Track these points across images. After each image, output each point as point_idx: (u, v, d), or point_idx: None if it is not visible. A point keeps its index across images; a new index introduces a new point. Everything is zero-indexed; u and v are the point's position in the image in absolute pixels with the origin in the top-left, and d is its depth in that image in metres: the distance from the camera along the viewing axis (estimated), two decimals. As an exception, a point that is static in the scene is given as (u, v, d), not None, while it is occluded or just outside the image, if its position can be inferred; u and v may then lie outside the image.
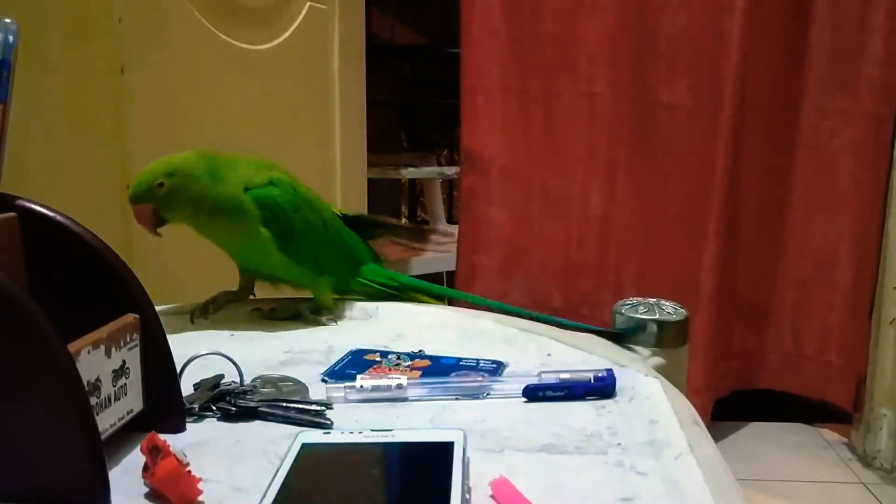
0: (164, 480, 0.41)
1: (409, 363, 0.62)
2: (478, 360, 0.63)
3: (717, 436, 1.82)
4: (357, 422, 0.52)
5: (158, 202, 0.66)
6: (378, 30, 2.45)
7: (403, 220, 2.88)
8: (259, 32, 1.23)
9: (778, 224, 1.85)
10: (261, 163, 0.74)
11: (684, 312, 0.68)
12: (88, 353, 0.44)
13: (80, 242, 0.48)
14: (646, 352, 0.66)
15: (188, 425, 0.51)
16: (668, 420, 0.52)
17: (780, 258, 1.87)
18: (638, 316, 0.67)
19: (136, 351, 0.48)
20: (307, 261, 0.73)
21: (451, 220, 2.58)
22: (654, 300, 0.69)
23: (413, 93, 2.78)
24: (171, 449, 0.42)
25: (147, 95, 0.97)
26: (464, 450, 0.43)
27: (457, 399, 0.56)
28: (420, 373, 0.60)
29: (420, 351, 0.65)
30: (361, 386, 0.55)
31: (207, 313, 0.73)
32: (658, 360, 0.65)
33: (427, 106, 2.77)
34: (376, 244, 0.82)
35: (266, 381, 0.57)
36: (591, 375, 0.56)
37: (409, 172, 2.32)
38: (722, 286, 1.80)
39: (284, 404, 0.52)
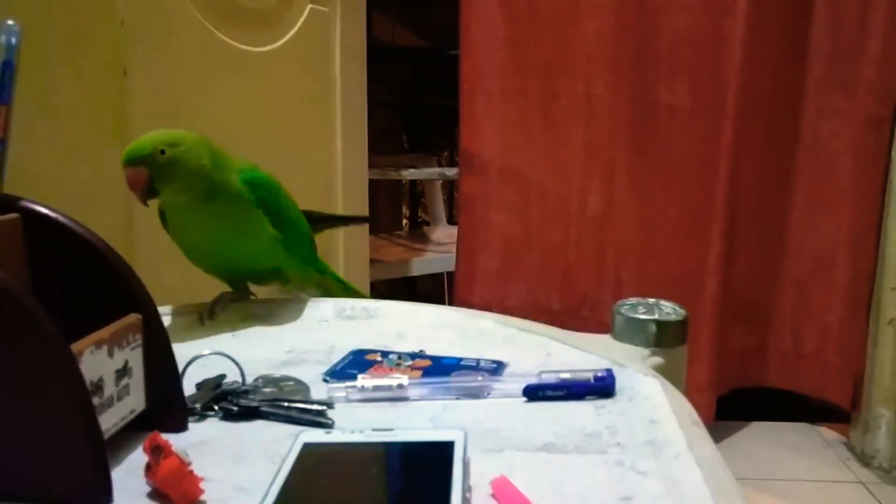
0: (167, 480, 0.41)
1: (410, 363, 0.62)
2: (478, 359, 0.63)
3: (717, 435, 1.82)
4: (358, 421, 0.52)
5: (156, 170, 0.64)
6: (379, 32, 2.45)
7: (404, 222, 2.89)
8: (261, 34, 1.23)
9: (777, 224, 1.86)
10: (250, 164, 0.74)
11: (683, 312, 0.68)
12: (91, 353, 0.44)
13: (82, 243, 0.48)
14: (645, 352, 0.66)
15: (190, 425, 0.51)
16: (667, 420, 0.52)
17: (780, 258, 1.87)
18: (638, 316, 0.67)
19: (139, 351, 0.48)
20: (292, 243, 0.74)
21: (451, 221, 2.59)
22: (654, 300, 0.70)
23: (414, 94, 2.78)
24: (173, 448, 0.42)
25: (149, 97, 0.98)
26: (464, 449, 0.43)
27: (457, 399, 0.56)
28: (421, 373, 0.60)
29: (421, 351, 0.65)
30: (362, 386, 0.55)
31: (214, 314, 0.73)
32: (657, 359, 0.65)
33: (428, 107, 2.77)
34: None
35: (268, 380, 0.57)
36: (590, 375, 0.57)
37: (409, 174, 2.33)
38: (722, 286, 1.80)
39: (286, 404, 0.53)
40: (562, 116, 1.92)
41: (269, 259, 0.74)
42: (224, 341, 0.68)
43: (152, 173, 0.64)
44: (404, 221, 2.89)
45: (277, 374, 0.59)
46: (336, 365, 0.62)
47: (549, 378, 0.56)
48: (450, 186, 2.74)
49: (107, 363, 0.45)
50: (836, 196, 1.80)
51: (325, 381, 0.59)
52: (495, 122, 1.96)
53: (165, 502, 0.41)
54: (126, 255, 0.50)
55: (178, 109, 1.04)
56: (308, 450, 0.44)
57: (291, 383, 0.57)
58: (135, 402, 0.48)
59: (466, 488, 0.41)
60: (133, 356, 0.48)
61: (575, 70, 1.89)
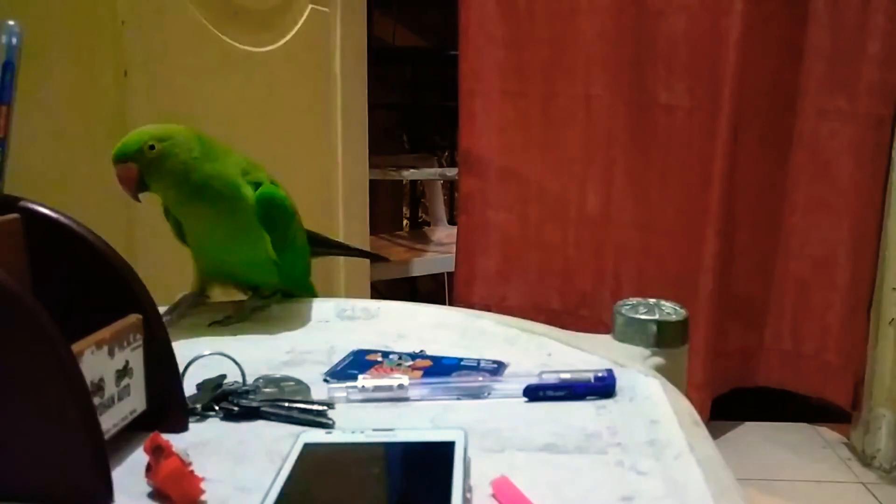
0: (167, 480, 0.41)
1: (411, 363, 0.62)
2: (479, 360, 0.63)
3: (717, 435, 1.82)
4: (359, 421, 0.52)
5: (145, 165, 0.64)
6: (379, 32, 2.45)
7: (405, 222, 2.89)
8: (261, 35, 1.23)
9: (777, 224, 1.86)
10: (250, 159, 0.73)
11: (684, 313, 0.68)
12: (92, 353, 0.44)
13: (83, 243, 0.48)
14: (646, 352, 0.66)
15: (191, 425, 0.51)
16: (668, 420, 0.52)
17: (779, 258, 1.87)
18: (638, 316, 0.67)
19: (140, 351, 0.48)
20: (287, 266, 0.73)
21: (452, 222, 2.59)
22: (654, 300, 0.70)
23: (414, 95, 2.79)
24: (173, 449, 0.42)
25: (150, 97, 0.98)
26: (465, 449, 0.43)
27: (458, 399, 0.56)
28: (421, 373, 0.60)
29: (421, 351, 0.65)
30: (363, 386, 0.55)
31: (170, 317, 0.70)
32: (658, 360, 0.65)
33: (428, 107, 2.77)
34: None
35: (268, 381, 0.57)
36: (591, 375, 0.57)
37: (410, 174, 2.33)
38: (721, 285, 1.80)
39: (286, 404, 0.53)
40: (561, 116, 1.92)
41: (260, 274, 0.73)
42: (225, 341, 0.68)
43: (142, 169, 0.64)
44: (405, 222, 2.89)
45: (278, 374, 0.59)
46: (336, 365, 0.62)
47: (550, 378, 0.56)
48: (450, 187, 2.74)
49: (107, 363, 0.45)
50: (836, 196, 1.81)
51: (325, 381, 0.59)
52: (494, 122, 1.97)
53: (166, 502, 0.41)
54: (126, 255, 0.50)
55: (178, 110, 1.04)
56: (309, 450, 0.44)
57: (292, 383, 0.57)
58: (135, 402, 0.48)
59: (467, 488, 0.41)
60: (134, 356, 0.48)
61: (573, 70, 1.89)
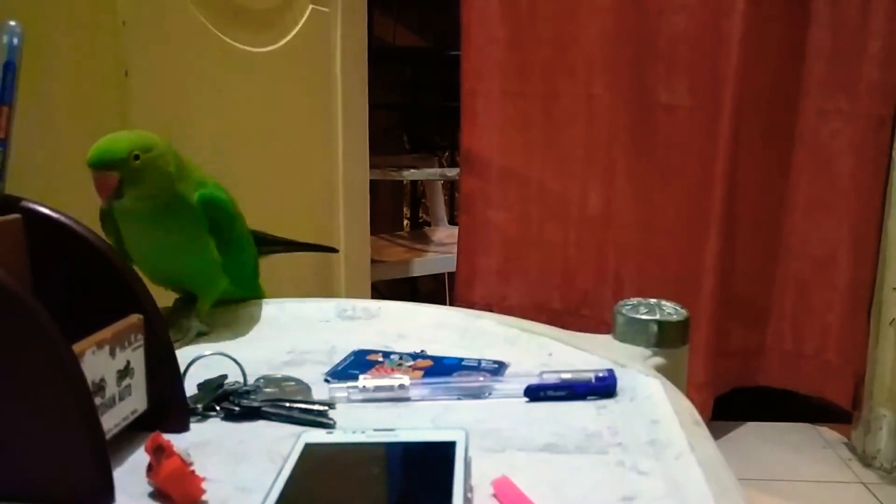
0: (169, 480, 0.41)
1: (412, 363, 0.62)
2: (479, 360, 0.63)
3: (717, 435, 1.82)
4: (359, 421, 0.52)
5: (127, 174, 0.61)
6: (380, 33, 2.45)
7: (405, 222, 2.89)
8: (262, 35, 1.23)
9: (777, 224, 1.86)
10: (205, 173, 0.71)
11: (685, 313, 0.68)
12: (93, 353, 0.44)
13: (84, 243, 0.48)
14: (647, 352, 0.66)
15: (192, 425, 0.51)
16: (668, 420, 0.52)
17: (780, 258, 1.87)
18: (639, 316, 0.67)
19: (141, 351, 0.48)
20: (232, 268, 0.71)
21: (452, 222, 2.59)
22: (655, 300, 0.70)
23: (414, 95, 2.79)
24: (175, 449, 0.42)
25: (151, 98, 0.98)
26: (466, 449, 0.43)
27: (459, 399, 0.56)
28: (422, 373, 0.60)
29: (422, 351, 0.65)
30: (364, 386, 0.55)
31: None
32: (659, 360, 0.65)
33: (428, 108, 2.77)
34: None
35: (269, 381, 0.57)
36: (592, 375, 0.57)
37: (410, 174, 2.33)
38: (722, 285, 1.80)
39: (287, 404, 0.53)
40: (562, 116, 1.92)
41: (207, 280, 0.71)
42: (225, 342, 0.68)
43: (123, 178, 0.61)
44: (405, 222, 2.89)
45: (279, 374, 0.59)
46: (337, 365, 0.62)
47: (551, 378, 0.56)
48: (451, 187, 2.74)
49: (108, 363, 0.45)
50: (836, 196, 1.81)
51: (326, 381, 0.59)
52: (496, 122, 1.97)
53: (167, 502, 0.41)
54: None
55: (179, 110, 1.04)
56: (309, 450, 0.44)
57: (293, 384, 0.57)
58: (136, 402, 0.48)
59: (468, 488, 0.41)
60: (135, 356, 0.48)
61: (575, 70, 1.89)
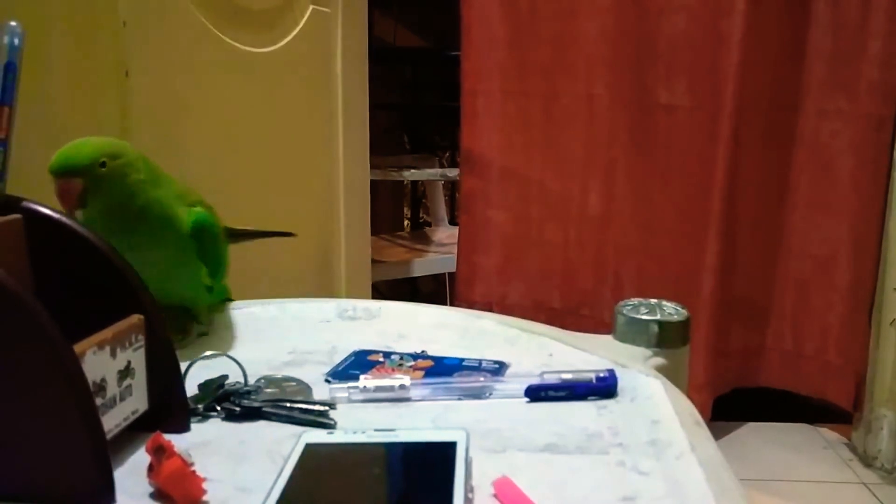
0: (169, 480, 0.41)
1: (412, 363, 0.62)
2: (480, 360, 0.63)
3: (718, 435, 1.82)
4: (360, 422, 0.52)
5: (92, 182, 0.58)
6: (380, 33, 2.45)
7: (406, 222, 2.89)
8: (262, 35, 1.23)
9: (778, 224, 1.86)
10: (185, 186, 0.67)
11: (685, 313, 0.68)
12: (94, 353, 0.44)
13: (84, 244, 0.48)
14: (647, 352, 0.66)
15: (193, 425, 0.51)
16: (669, 420, 0.52)
17: (780, 258, 1.87)
18: (639, 317, 0.67)
19: (141, 351, 0.49)
20: (218, 286, 0.69)
21: (453, 222, 2.59)
22: (656, 301, 0.70)
23: (415, 95, 2.79)
24: (175, 449, 0.42)
25: (152, 98, 0.98)
26: (466, 449, 0.43)
27: (459, 399, 0.56)
28: (423, 373, 0.60)
29: (423, 351, 0.65)
30: (364, 386, 0.55)
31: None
32: (659, 360, 0.65)
33: (429, 108, 2.77)
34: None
35: (270, 381, 0.57)
36: (592, 375, 0.57)
37: (411, 174, 2.33)
38: (722, 285, 1.80)
39: (288, 404, 0.53)
40: (562, 116, 1.92)
41: (192, 300, 0.68)
42: (226, 342, 0.68)
43: (87, 185, 0.58)
44: (406, 222, 2.89)
45: (279, 374, 0.59)
46: (338, 365, 0.62)
47: (551, 378, 0.56)
48: (451, 187, 2.74)
49: (109, 364, 0.45)
50: (837, 196, 1.81)
51: (327, 381, 0.59)
52: (496, 122, 1.97)
53: (168, 503, 0.41)
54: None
55: (179, 110, 1.04)
56: (310, 450, 0.44)
57: (293, 384, 0.57)
58: (137, 402, 0.48)
59: (469, 488, 0.41)
60: (135, 357, 0.48)
61: (575, 70, 1.89)
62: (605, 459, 0.47)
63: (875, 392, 1.79)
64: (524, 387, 0.56)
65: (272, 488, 0.40)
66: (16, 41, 0.47)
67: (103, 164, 0.58)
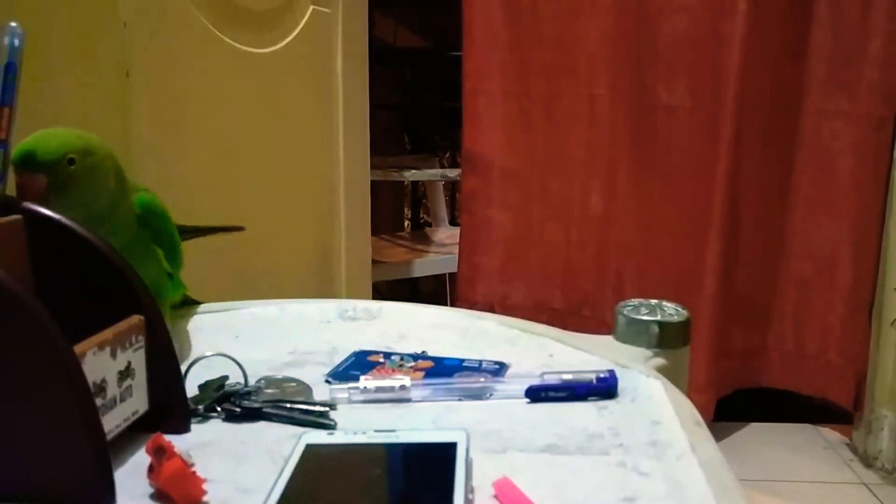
0: (170, 481, 0.41)
1: (413, 364, 0.62)
2: (480, 361, 0.63)
3: (718, 436, 1.82)
4: (360, 422, 0.52)
5: (57, 179, 0.53)
6: (380, 33, 2.45)
7: (406, 223, 2.89)
8: (263, 36, 1.23)
9: (779, 224, 1.86)
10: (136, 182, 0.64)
11: (686, 314, 0.68)
12: (94, 354, 0.44)
13: (85, 244, 0.48)
14: (648, 353, 0.66)
15: (193, 426, 0.51)
16: (669, 421, 0.52)
17: (781, 258, 1.87)
18: (640, 317, 0.67)
19: (142, 352, 0.49)
20: (174, 270, 0.67)
21: (453, 222, 2.59)
22: (656, 301, 0.70)
23: (415, 95, 2.79)
24: (176, 450, 0.42)
25: (152, 98, 0.98)
26: (467, 450, 0.43)
27: (460, 400, 0.56)
28: (423, 374, 0.60)
29: (423, 352, 0.65)
30: (365, 387, 0.55)
31: None
32: (660, 360, 0.65)
33: (429, 108, 2.77)
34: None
35: (270, 382, 0.57)
36: (593, 376, 0.57)
37: (411, 175, 2.33)
38: (723, 286, 1.80)
39: (288, 405, 0.53)
40: (563, 116, 1.92)
41: (158, 294, 0.64)
42: (226, 343, 0.68)
43: (52, 182, 0.52)
44: (406, 222, 2.89)
45: (280, 375, 0.59)
46: (338, 366, 0.62)
47: (552, 379, 0.56)
48: (451, 187, 2.74)
49: (109, 364, 0.45)
50: (837, 196, 1.81)
51: (327, 382, 0.59)
52: (497, 122, 1.97)
53: (168, 503, 0.41)
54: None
55: (180, 111, 1.04)
56: (310, 451, 0.44)
57: (294, 384, 0.57)
58: (137, 403, 0.48)
59: (469, 489, 0.41)
60: (136, 357, 0.48)
61: (576, 70, 1.89)
62: (605, 460, 0.47)
63: (876, 392, 1.79)
64: (524, 387, 0.56)
65: (272, 489, 0.40)
66: (16, 42, 0.47)
67: (71, 161, 0.53)
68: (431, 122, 2.80)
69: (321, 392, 0.57)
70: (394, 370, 0.61)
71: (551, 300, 2.02)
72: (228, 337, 0.70)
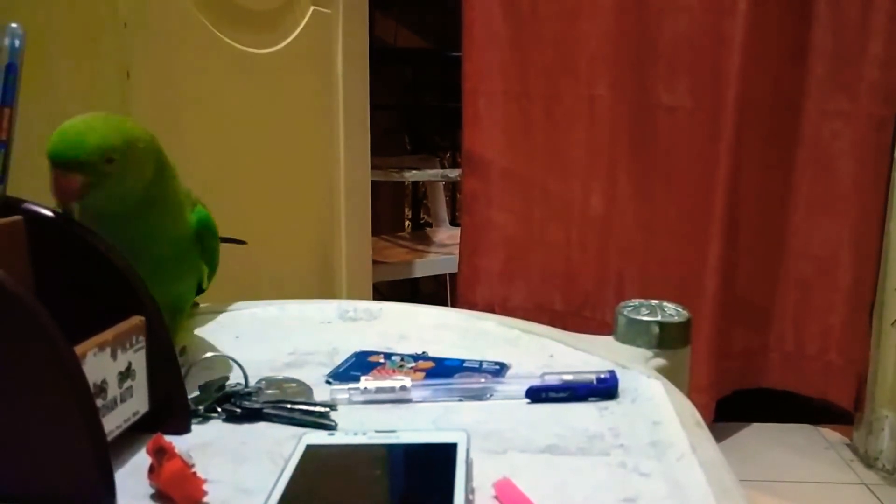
0: (170, 481, 0.41)
1: (413, 365, 0.62)
2: (481, 361, 0.63)
3: (719, 436, 1.82)
4: (361, 423, 0.52)
5: (96, 178, 0.51)
6: (381, 34, 2.45)
7: (407, 223, 2.89)
8: (264, 36, 1.23)
9: (779, 225, 1.86)
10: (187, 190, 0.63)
11: (686, 314, 0.68)
12: (94, 355, 0.44)
13: (85, 245, 0.48)
14: (648, 353, 0.66)
15: (193, 427, 0.51)
16: (670, 421, 0.52)
17: (782, 259, 1.87)
18: (641, 318, 0.67)
19: (142, 353, 0.49)
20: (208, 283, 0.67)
21: (454, 223, 2.59)
22: (657, 302, 0.70)
23: (416, 96, 2.79)
24: (176, 450, 0.42)
25: (153, 99, 0.98)
26: (467, 451, 0.43)
27: (460, 400, 0.56)
28: (424, 374, 0.60)
29: (423, 352, 0.65)
30: (365, 387, 0.55)
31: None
32: (660, 361, 0.65)
33: (430, 109, 2.77)
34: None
35: (270, 382, 0.57)
36: (593, 377, 0.57)
37: (412, 175, 2.33)
38: (724, 286, 1.80)
39: (289, 406, 0.53)
40: (564, 117, 1.92)
41: (185, 300, 0.65)
42: (227, 343, 0.68)
43: (91, 181, 0.51)
44: (406, 223, 2.89)
45: (280, 375, 0.59)
46: (339, 367, 0.62)
47: (552, 380, 0.56)
48: (452, 188, 2.74)
49: (110, 365, 0.45)
50: (838, 197, 1.81)
51: (327, 382, 0.59)
52: (498, 123, 1.97)
53: (169, 504, 0.42)
54: (129, 257, 0.50)
55: (181, 112, 1.04)
56: (311, 451, 0.44)
57: (294, 385, 0.57)
58: (138, 404, 0.48)
59: (469, 490, 0.41)
60: (136, 358, 0.48)
61: (576, 71, 1.89)
62: (606, 461, 0.47)
63: (876, 393, 1.79)
64: (525, 388, 0.56)
65: (273, 489, 0.40)
66: (16, 42, 0.47)
67: (110, 160, 0.51)
68: (432, 123, 2.80)
69: (321, 393, 0.57)
70: (394, 371, 0.61)
71: (552, 301, 2.02)
72: (229, 337, 0.70)
